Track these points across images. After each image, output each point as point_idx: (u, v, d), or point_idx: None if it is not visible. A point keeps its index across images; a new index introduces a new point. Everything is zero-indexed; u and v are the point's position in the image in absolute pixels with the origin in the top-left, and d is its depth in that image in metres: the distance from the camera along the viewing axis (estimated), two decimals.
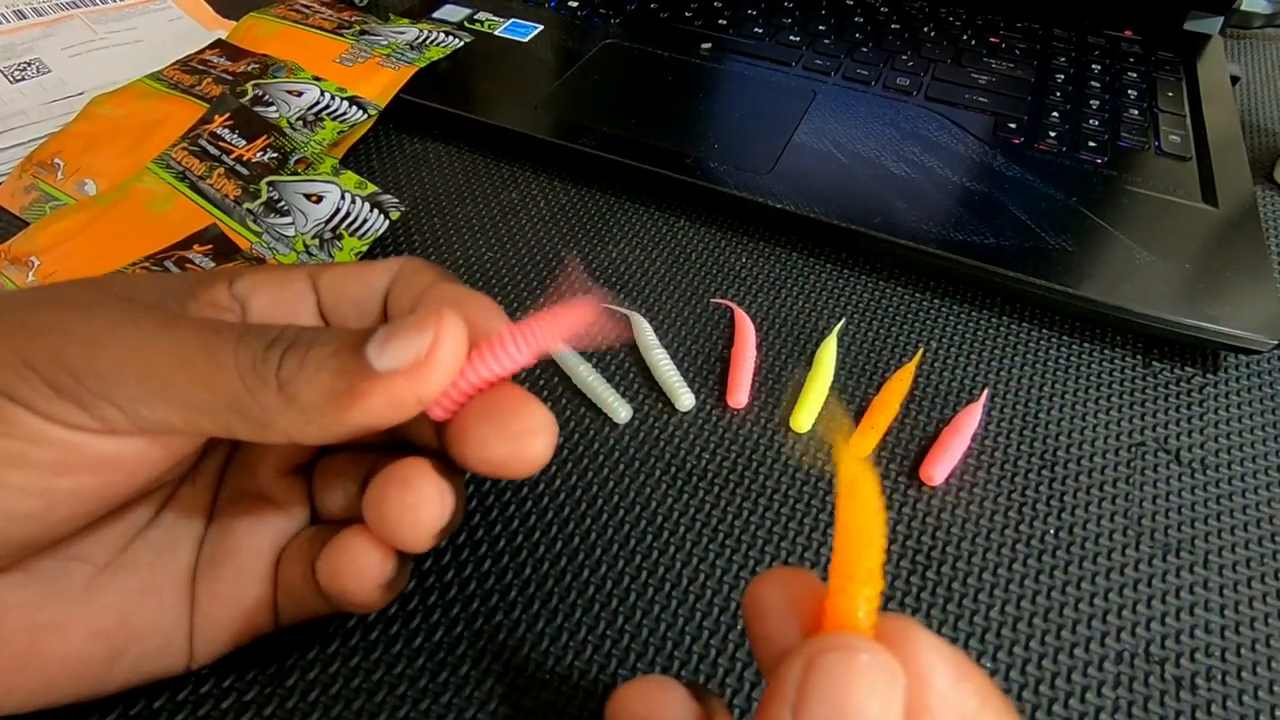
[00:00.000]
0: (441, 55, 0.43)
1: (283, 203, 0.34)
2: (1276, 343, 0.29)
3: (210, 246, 0.32)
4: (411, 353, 0.16)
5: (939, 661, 0.13)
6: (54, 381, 0.15)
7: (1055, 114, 0.41)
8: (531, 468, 0.17)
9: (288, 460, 0.21)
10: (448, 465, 0.18)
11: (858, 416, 0.29)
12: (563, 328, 0.17)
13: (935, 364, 0.31)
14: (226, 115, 0.38)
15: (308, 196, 0.34)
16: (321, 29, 0.44)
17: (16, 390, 0.15)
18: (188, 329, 0.16)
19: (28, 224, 0.35)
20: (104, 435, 0.16)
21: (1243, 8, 0.52)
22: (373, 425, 0.16)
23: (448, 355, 0.16)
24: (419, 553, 0.18)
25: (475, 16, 0.48)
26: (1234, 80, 0.46)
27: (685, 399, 0.29)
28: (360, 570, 0.18)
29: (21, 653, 0.17)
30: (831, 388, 0.29)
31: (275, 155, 0.36)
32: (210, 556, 0.20)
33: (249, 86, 0.39)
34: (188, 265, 0.31)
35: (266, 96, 0.39)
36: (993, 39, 0.48)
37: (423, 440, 0.20)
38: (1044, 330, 0.32)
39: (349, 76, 0.41)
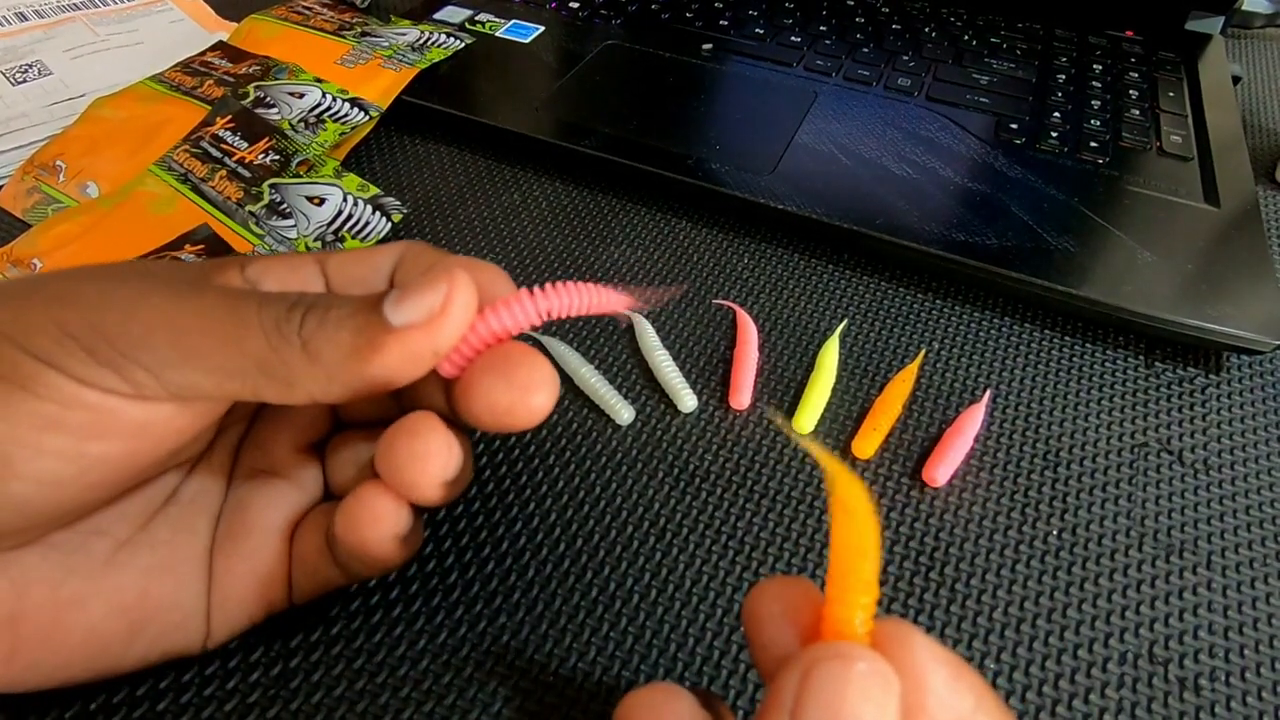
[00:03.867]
0: (443, 57, 0.43)
1: (285, 205, 0.34)
2: (1278, 343, 0.29)
3: (202, 246, 0.33)
4: (426, 307, 0.16)
5: (934, 663, 0.13)
6: (90, 347, 0.16)
7: (1057, 114, 0.41)
8: (533, 418, 0.18)
9: (301, 436, 0.21)
10: (457, 427, 0.19)
11: (860, 417, 0.29)
12: (574, 299, 0.18)
13: (937, 365, 0.31)
14: (228, 117, 0.38)
15: (310, 199, 0.34)
16: (323, 31, 0.44)
17: (53, 355, 0.15)
18: (214, 295, 0.17)
19: (30, 226, 0.35)
20: (135, 400, 0.16)
21: (1244, 8, 0.52)
22: (391, 379, 0.17)
23: (460, 309, 0.17)
24: (430, 504, 0.19)
25: (476, 18, 0.48)
26: (1235, 80, 0.46)
27: (687, 400, 0.29)
28: (376, 518, 0.18)
29: (44, 627, 0.17)
30: (834, 389, 0.29)
31: (277, 157, 0.36)
32: (226, 532, 0.20)
33: (250, 88, 0.39)
34: None
35: (268, 98, 0.39)
36: (994, 39, 0.48)
37: (431, 406, 0.20)
38: (1046, 331, 0.32)
39: (350, 78, 0.41)
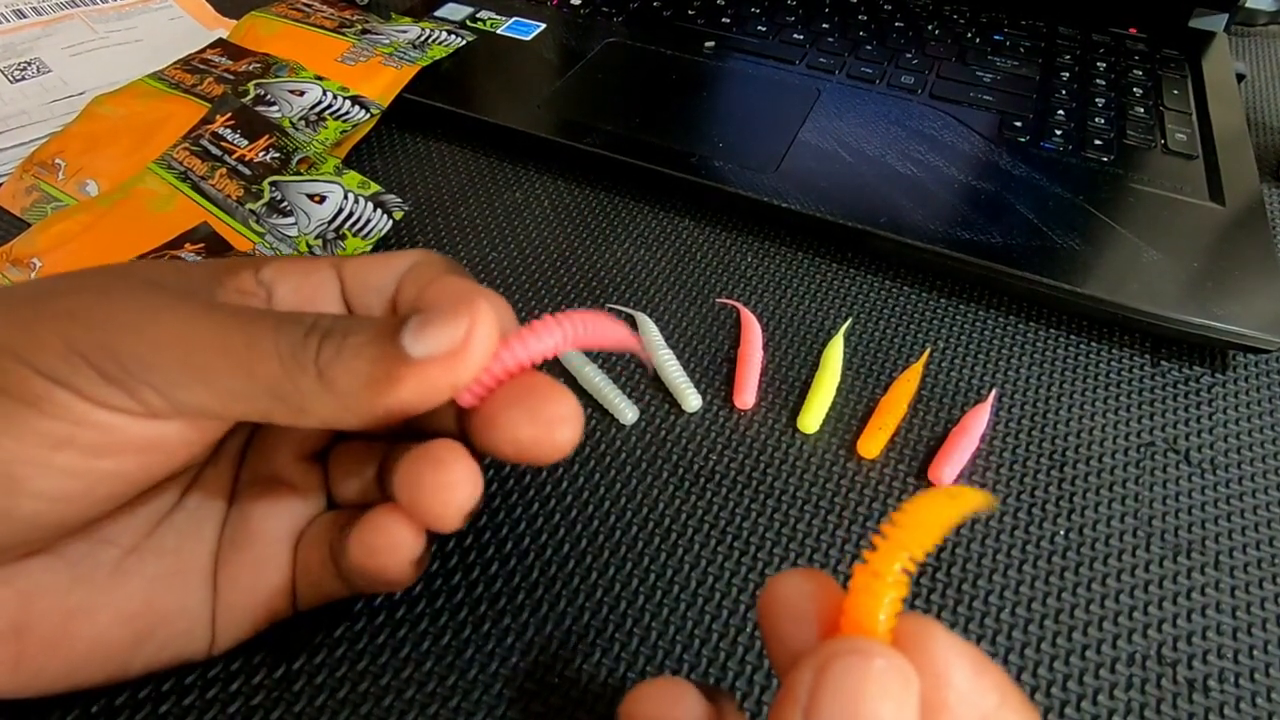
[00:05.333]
0: (444, 54, 0.43)
1: (285, 203, 0.34)
2: None
3: (201, 245, 0.32)
4: (446, 341, 0.16)
5: (957, 659, 0.13)
6: (99, 367, 0.15)
7: (1061, 112, 0.41)
8: (558, 453, 0.17)
9: (304, 446, 0.21)
10: (474, 453, 0.19)
11: (865, 417, 0.28)
12: (592, 330, 0.18)
13: (943, 364, 0.31)
14: (228, 115, 0.37)
15: (310, 196, 0.34)
16: (323, 28, 0.44)
17: (63, 374, 0.15)
18: (226, 316, 0.16)
19: (29, 225, 0.35)
20: (145, 419, 0.16)
21: (1247, 5, 0.52)
22: (407, 410, 0.16)
23: (481, 343, 0.16)
24: (448, 531, 0.18)
25: (477, 15, 0.48)
26: (1239, 78, 0.46)
27: (692, 400, 0.28)
28: (395, 546, 0.18)
29: (52, 635, 0.17)
30: (838, 388, 0.29)
31: (277, 155, 0.36)
32: (230, 540, 0.20)
33: (251, 86, 0.39)
34: None
35: (268, 96, 0.39)
36: (997, 37, 0.48)
37: (442, 428, 0.20)
38: (1051, 330, 0.32)
39: (351, 75, 0.41)
